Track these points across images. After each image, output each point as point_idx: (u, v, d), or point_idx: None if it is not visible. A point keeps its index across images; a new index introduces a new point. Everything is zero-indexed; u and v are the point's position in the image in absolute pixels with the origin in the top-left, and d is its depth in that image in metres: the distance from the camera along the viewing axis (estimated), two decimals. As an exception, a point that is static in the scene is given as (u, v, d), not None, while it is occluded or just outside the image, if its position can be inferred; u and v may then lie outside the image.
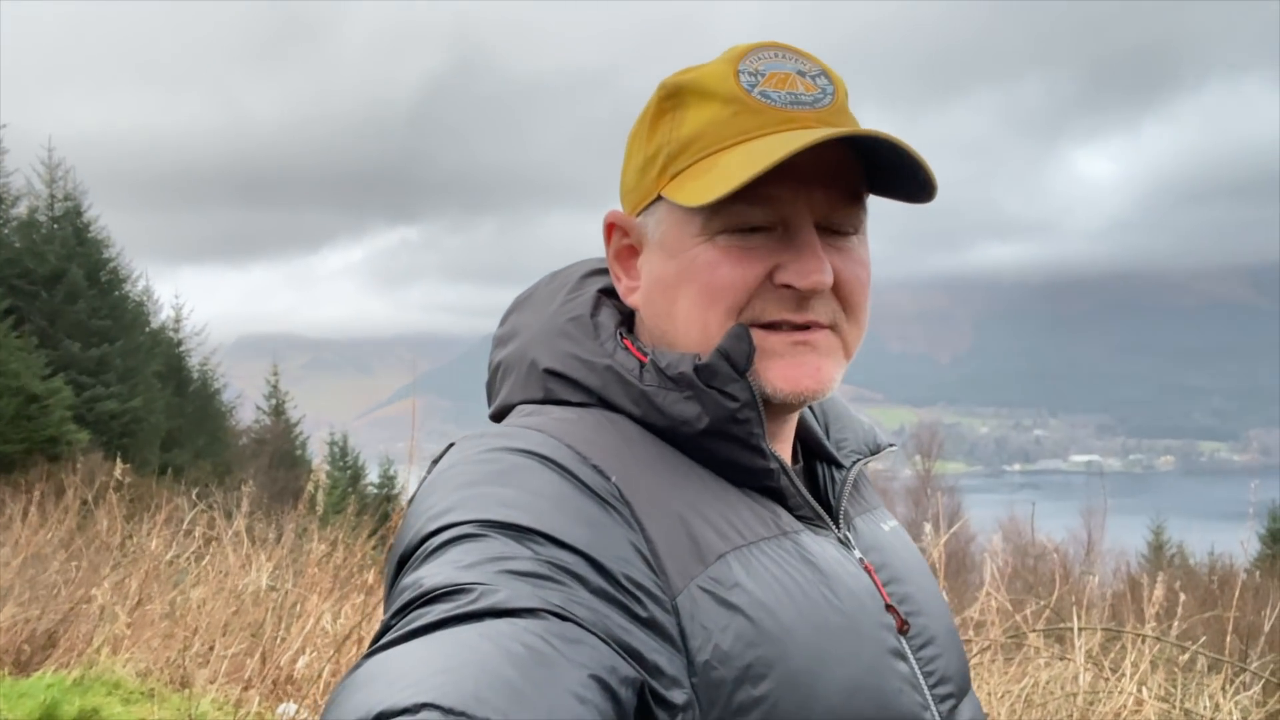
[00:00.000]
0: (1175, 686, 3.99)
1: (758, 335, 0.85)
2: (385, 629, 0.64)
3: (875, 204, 0.91)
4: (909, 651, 0.85)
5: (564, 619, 0.63)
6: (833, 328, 0.88)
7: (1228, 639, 4.22)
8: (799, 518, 0.88)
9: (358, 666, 0.60)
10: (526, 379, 0.93)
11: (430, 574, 0.66)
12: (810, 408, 1.03)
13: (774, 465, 0.86)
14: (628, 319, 0.96)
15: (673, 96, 0.89)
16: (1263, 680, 4.00)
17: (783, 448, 0.93)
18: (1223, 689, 3.83)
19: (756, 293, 0.85)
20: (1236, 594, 4.72)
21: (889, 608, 0.86)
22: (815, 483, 0.98)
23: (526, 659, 0.57)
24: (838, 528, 0.92)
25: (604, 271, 0.99)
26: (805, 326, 0.86)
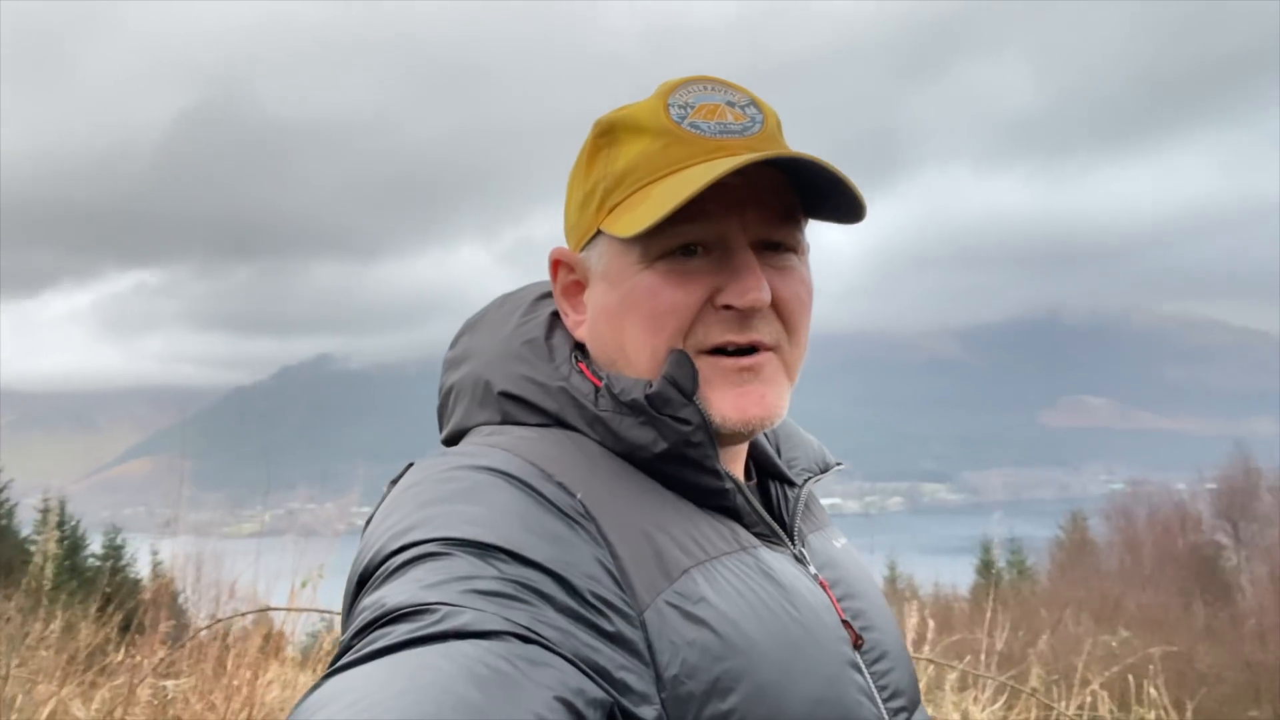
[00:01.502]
0: (935, 705, 4.38)
1: (704, 362, 0.87)
2: (345, 648, 0.63)
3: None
4: (864, 665, 0.86)
5: (529, 640, 0.62)
6: (776, 349, 0.89)
7: (969, 658, 4.70)
8: (756, 535, 0.89)
9: (316, 687, 0.58)
10: (482, 401, 0.93)
11: (392, 593, 0.65)
12: None
13: (729, 485, 0.87)
14: (582, 343, 0.96)
15: (606, 134, 0.91)
16: (1006, 692, 4.48)
17: (736, 467, 0.95)
18: (974, 701, 4.26)
19: (699, 316, 0.87)
20: (986, 617, 5.26)
21: (845, 623, 0.88)
22: (769, 500, 0.99)
23: (490, 680, 0.57)
24: (792, 544, 0.93)
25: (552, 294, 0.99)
26: (750, 349, 0.88)
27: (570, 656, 0.64)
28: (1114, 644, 5.75)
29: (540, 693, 0.58)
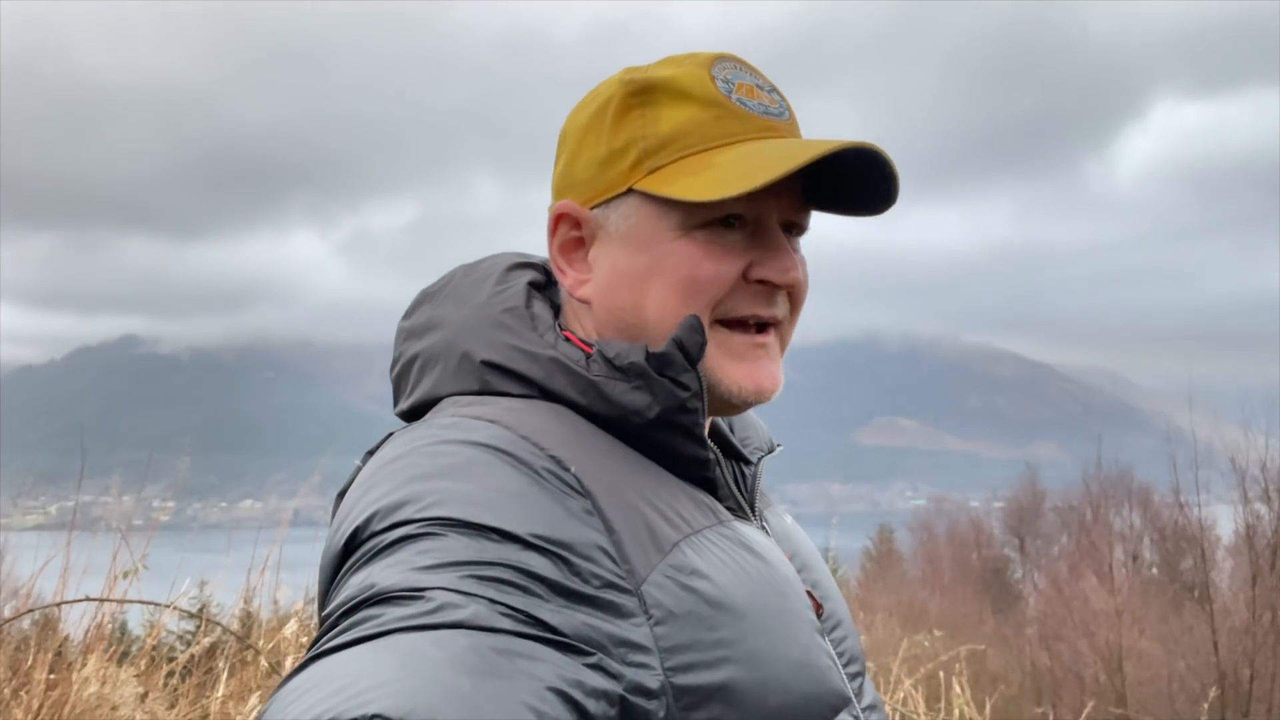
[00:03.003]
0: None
1: (722, 334, 0.89)
2: (330, 627, 0.61)
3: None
4: (824, 633, 0.89)
5: (524, 628, 0.61)
6: (777, 325, 0.92)
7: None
8: (727, 508, 0.90)
9: (301, 668, 0.57)
10: (458, 371, 0.90)
11: (382, 574, 0.63)
12: None
13: (711, 456, 0.88)
14: (557, 312, 0.95)
15: (643, 93, 0.89)
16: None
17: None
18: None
19: (732, 288, 0.88)
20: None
21: (808, 593, 0.90)
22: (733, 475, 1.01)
23: (482, 670, 0.55)
24: (754, 518, 0.96)
25: (527, 265, 0.98)
26: (767, 324, 0.91)
27: (570, 639, 0.63)
28: (927, 643, 6.15)
29: (533, 682, 0.57)
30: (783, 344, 0.95)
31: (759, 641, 0.78)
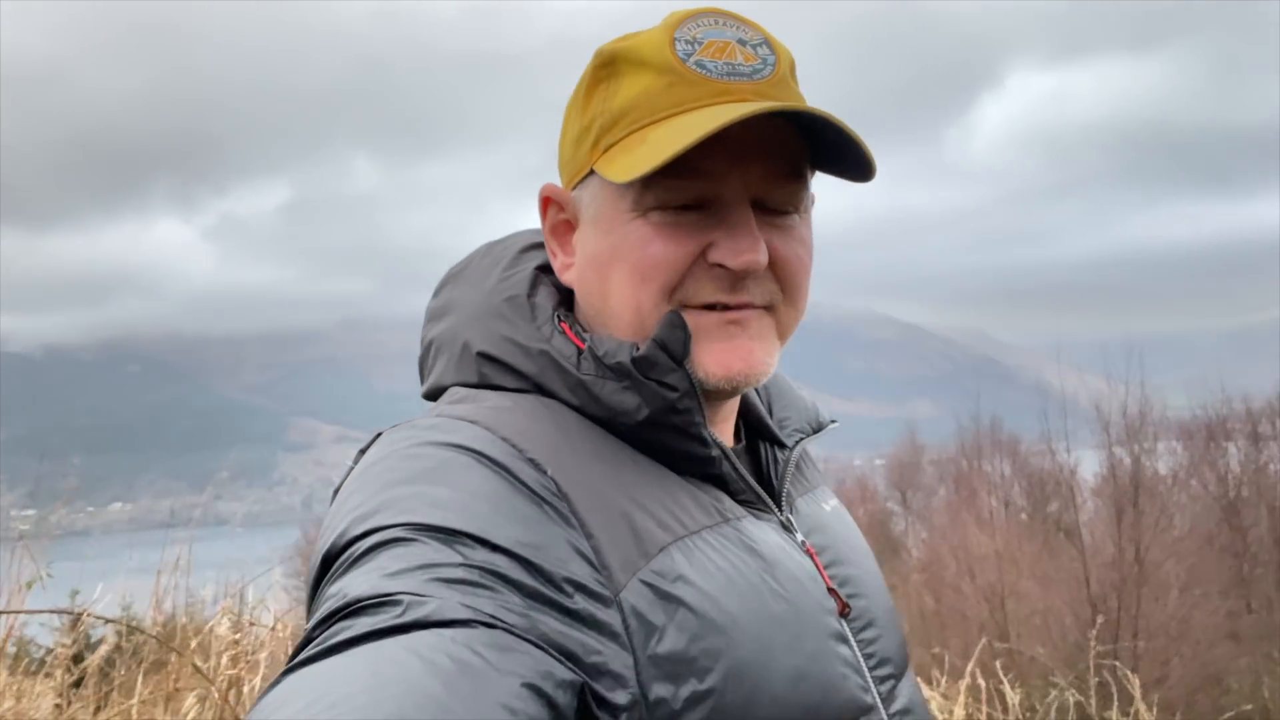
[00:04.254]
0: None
1: (690, 316, 0.83)
2: (307, 640, 0.61)
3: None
4: (850, 634, 0.84)
5: (494, 627, 0.60)
6: (769, 309, 0.86)
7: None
8: (741, 502, 0.86)
9: (276, 683, 0.57)
10: (459, 361, 0.88)
11: (355, 583, 0.63)
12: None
13: (715, 453, 0.84)
14: (567, 298, 0.92)
15: (607, 65, 0.85)
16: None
17: (724, 429, 0.92)
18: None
19: (690, 272, 0.83)
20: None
21: (831, 591, 0.85)
22: (759, 463, 0.95)
23: (453, 672, 0.55)
24: (780, 510, 0.91)
25: (542, 246, 0.94)
26: (740, 308, 0.84)
27: (538, 641, 0.62)
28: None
29: (506, 681, 0.57)
30: (780, 327, 0.88)
31: (748, 651, 0.74)
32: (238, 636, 2.76)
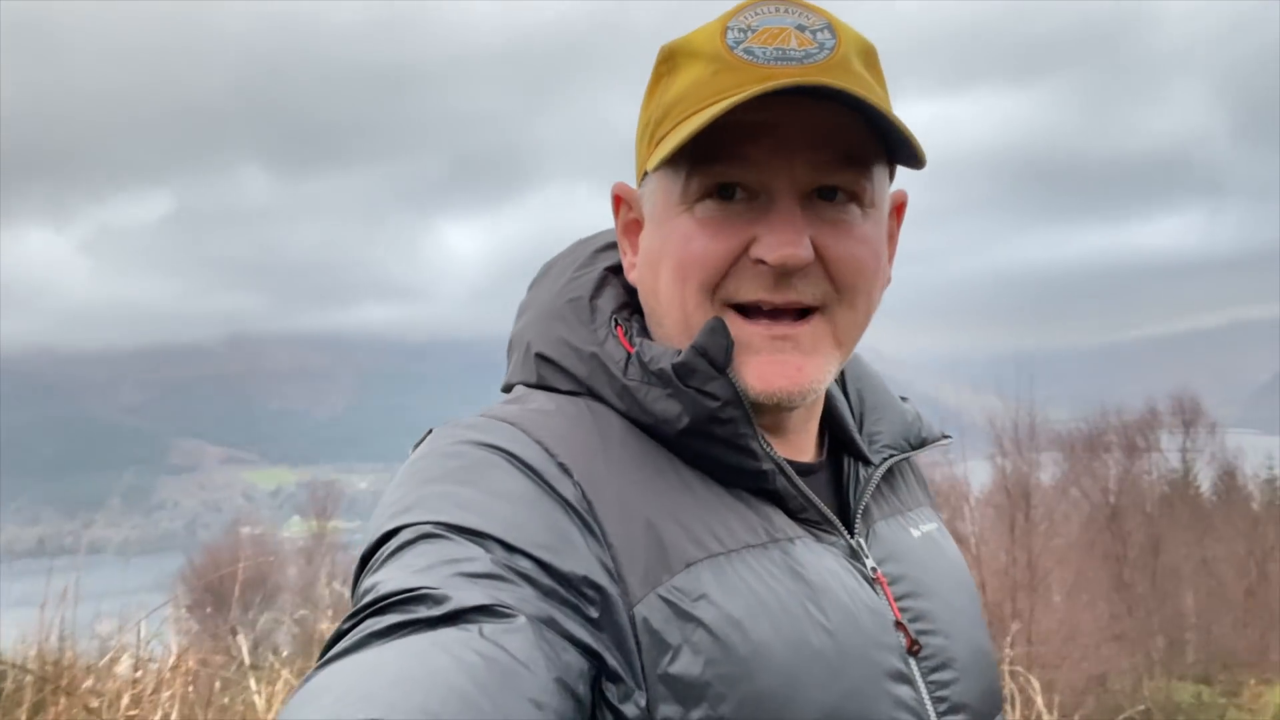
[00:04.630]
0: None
1: (735, 324, 0.80)
2: (340, 635, 0.62)
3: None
4: (918, 674, 0.79)
5: (517, 622, 0.61)
6: (822, 309, 0.81)
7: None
8: (802, 521, 0.82)
9: (310, 677, 0.58)
10: (523, 361, 0.89)
11: (386, 578, 0.65)
12: (846, 393, 0.95)
13: (766, 466, 0.80)
14: (636, 300, 0.90)
15: (666, 60, 0.84)
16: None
17: (796, 441, 0.87)
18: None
19: (733, 268, 0.79)
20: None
21: (899, 625, 0.80)
22: (840, 480, 0.90)
23: (480, 667, 0.56)
24: (852, 533, 0.85)
25: (617, 245, 0.94)
26: (786, 311, 0.80)
27: (561, 636, 0.63)
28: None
29: (531, 676, 0.58)
30: (837, 333, 0.82)
31: (770, 682, 0.70)
32: (138, 675, 2.53)
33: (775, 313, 0.81)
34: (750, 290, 0.80)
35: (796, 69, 0.77)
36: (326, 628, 5.23)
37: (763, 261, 0.78)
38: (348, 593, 0.77)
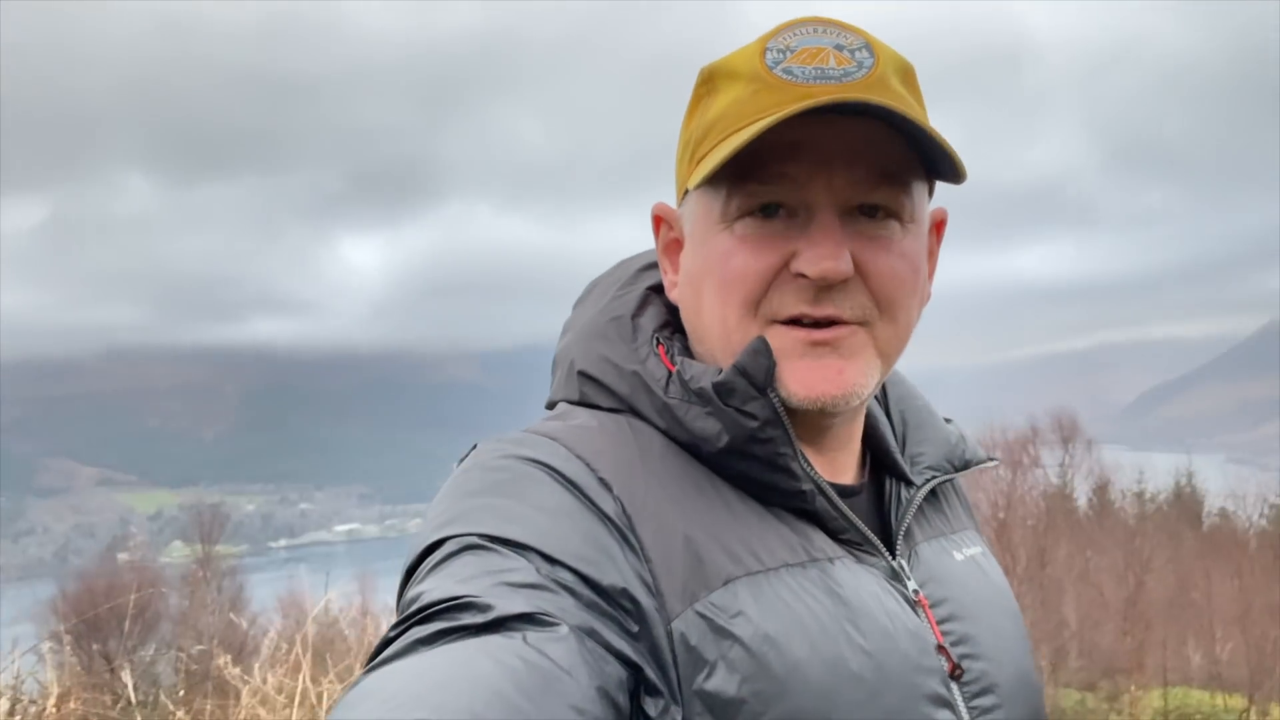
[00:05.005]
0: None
1: (776, 333, 0.80)
2: (385, 643, 0.64)
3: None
4: (959, 699, 0.79)
5: (560, 631, 0.63)
6: (864, 325, 0.81)
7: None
8: (843, 542, 0.82)
9: (356, 683, 0.60)
10: (567, 378, 0.91)
11: (431, 587, 0.67)
12: (889, 414, 0.95)
13: (806, 487, 0.80)
14: (678, 319, 0.91)
15: (706, 82, 0.85)
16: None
17: (838, 461, 0.87)
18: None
19: (774, 284, 0.80)
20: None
21: (941, 649, 0.80)
22: (882, 501, 0.89)
23: (524, 674, 0.57)
24: (893, 555, 0.84)
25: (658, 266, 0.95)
26: (827, 323, 0.80)
27: (602, 646, 0.65)
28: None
29: (574, 685, 0.58)
30: (880, 345, 0.83)
31: (808, 701, 0.70)
32: (18, 722, 2.28)
33: (816, 326, 0.81)
34: (792, 305, 0.80)
35: (835, 87, 0.78)
36: (222, 662, 4.91)
37: (803, 275, 0.79)
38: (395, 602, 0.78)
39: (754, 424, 0.79)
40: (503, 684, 0.56)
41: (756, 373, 0.79)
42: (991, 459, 0.99)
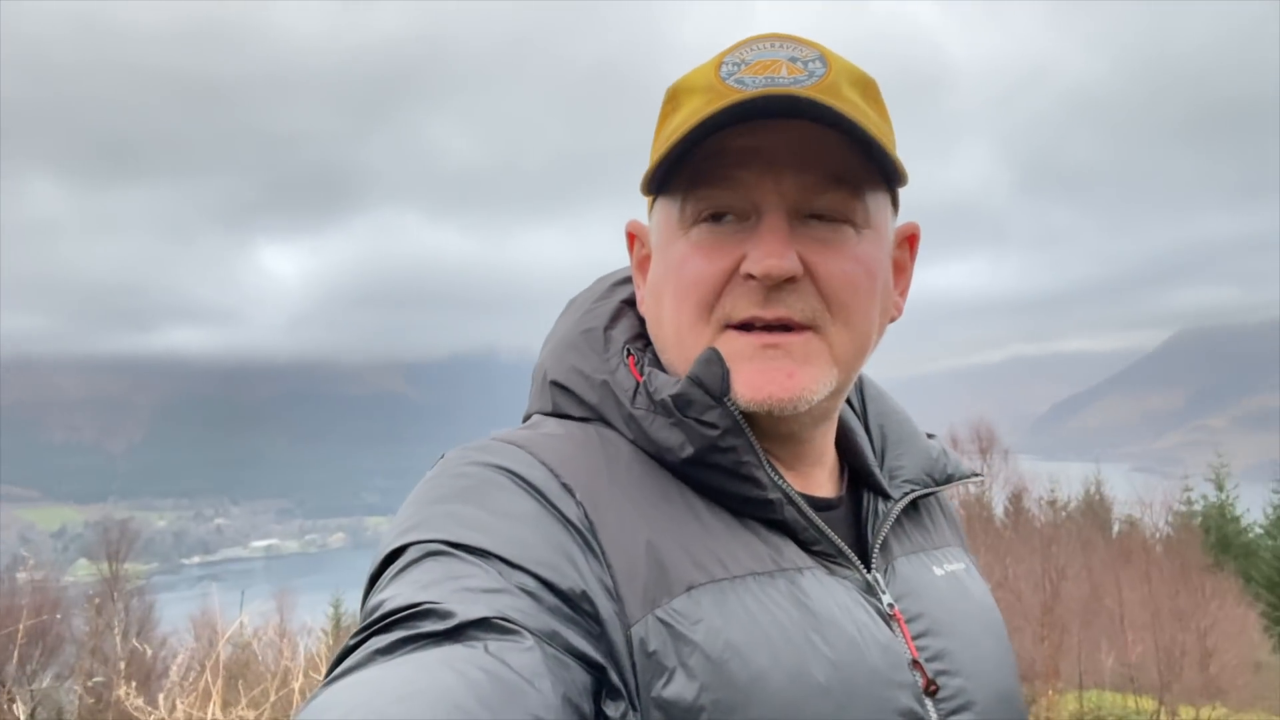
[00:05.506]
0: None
1: (729, 338, 0.81)
2: (346, 652, 0.64)
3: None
4: (933, 715, 0.77)
5: (523, 640, 0.62)
6: (815, 329, 0.81)
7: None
8: (816, 554, 0.81)
9: (315, 695, 0.59)
10: (540, 390, 0.91)
11: (392, 594, 0.67)
12: (868, 428, 0.95)
13: (773, 496, 0.79)
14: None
15: (670, 100, 0.87)
16: None
17: (809, 475, 0.87)
18: None
19: (727, 288, 0.81)
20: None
21: (915, 664, 0.78)
22: (859, 514, 0.89)
23: (485, 685, 0.57)
24: (869, 568, 0.83)
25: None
26: (778, 326, 0.80)
27: (563, 652, 0.65)
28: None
29: (535, 695, 0.58)
30: (836, 352, 0.82)
31: (770, 712, 0.69)
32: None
33: (768, 328, 0.81)
34: (744, 307, 0.80)
35: (781, 90, 0.78)
36: (124, 692, 4.59)
37: (752, 276, 0.79)
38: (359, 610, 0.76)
39: (714, 433, 0.78)
40: (463, 696, 0.55)
41: (711, 382, 0.79)
42: (975, 474, 0.98)
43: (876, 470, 0.91)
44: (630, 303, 0.94)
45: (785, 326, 0.80)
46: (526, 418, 0.93)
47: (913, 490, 0.92)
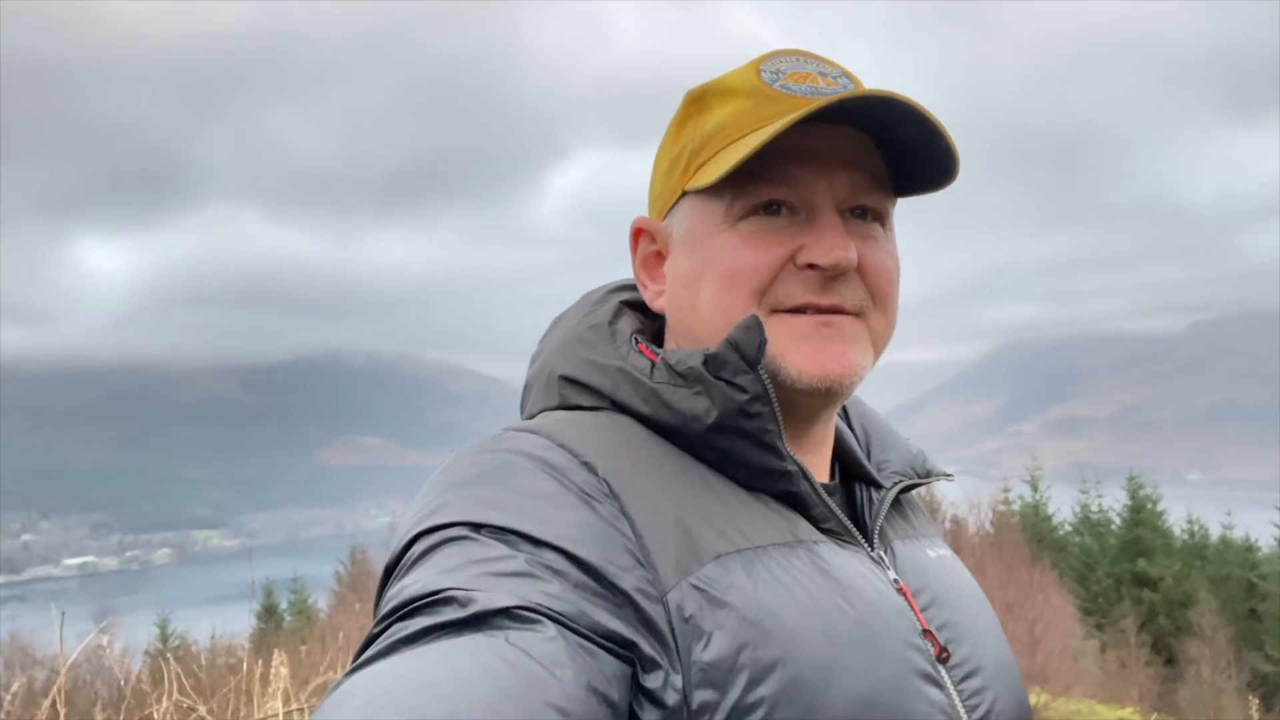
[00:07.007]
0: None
1: (782, 319, 0.84)
2: (368, 642, 0.64)
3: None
4: (948, 681, 0.80)
5: (548, 621, 0.62)
6: (860, 315, 0.86)
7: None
8: (824, 530, 0.84)
9: (338, 685, 0.59)
10: (546, 389, 0.92)
11: (413, 580, 0.66)
12: (851, 427, 1.00)
13: (791, 467, 0.82)
14: (654, 330, 0.96)
15: (697, 101, 0.90)
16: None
17: (812, 458, 0.90)
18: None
19: (780, 276, 0.84)
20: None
21: (926, 633, 0.81)
22: (853, 504, 0.93)
23: (506, 675, 0.57)
24: (871, 547, 0.87)
25: (629, 287, 0.99)
26: (831, 311, 0.84)
27: (591, 634, 0.64)
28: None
29: (557, 684, 0.58)
30: (874, 338, 0.88)
31: (807, 667, 0.71)
32: None
33: (819, 314, 0.85)
34: (799, 294, 0.84)
35: (877, 93, 0.82)
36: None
37: (812, 266, 0.83)
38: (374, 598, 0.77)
39: (743, 397, 0.80)
40: (484, 686, 0.55)
41: (748, 347, 0.81)
42: (947, 474, 1.03)
43: (866, 462, 0.96)
44: (628, 304, 0.96)
45: (836, 313, 0.85)
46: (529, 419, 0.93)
47: (900, 481, 0.96)
